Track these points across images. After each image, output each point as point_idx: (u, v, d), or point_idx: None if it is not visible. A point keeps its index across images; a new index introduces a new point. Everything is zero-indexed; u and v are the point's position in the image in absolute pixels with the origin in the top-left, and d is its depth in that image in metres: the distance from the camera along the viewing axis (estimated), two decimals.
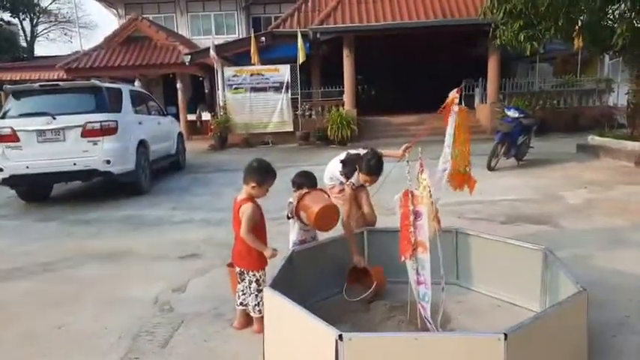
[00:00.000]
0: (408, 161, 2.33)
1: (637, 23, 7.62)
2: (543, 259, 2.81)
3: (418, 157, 2.38)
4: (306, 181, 3.27)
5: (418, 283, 2.31)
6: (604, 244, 4.18)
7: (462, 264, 3.29)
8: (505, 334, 1.80)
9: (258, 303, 2.79)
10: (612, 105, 14.31)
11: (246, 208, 2.76)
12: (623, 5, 8.01)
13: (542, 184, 6.85)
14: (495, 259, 3.09)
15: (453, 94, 3.20)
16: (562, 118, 13.66)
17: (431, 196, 2.31)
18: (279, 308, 2.30)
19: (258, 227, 2.82)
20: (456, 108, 3.18)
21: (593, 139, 9.30)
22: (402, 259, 2.35)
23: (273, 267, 2.82)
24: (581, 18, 7.96)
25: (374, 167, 3.26)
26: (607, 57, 14.79)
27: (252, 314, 2.83)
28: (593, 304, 2.48)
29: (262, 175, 2.80)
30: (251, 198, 2.81)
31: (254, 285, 2.82)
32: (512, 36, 8.36)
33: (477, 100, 15.13)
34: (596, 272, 3.43)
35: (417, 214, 2.26)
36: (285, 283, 2.68)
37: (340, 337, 1.86)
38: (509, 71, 16.37)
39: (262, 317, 2.76)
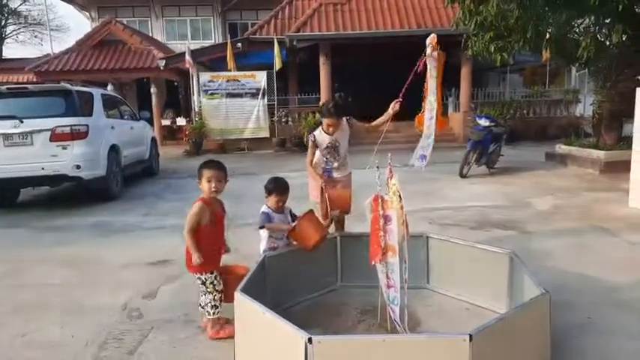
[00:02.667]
0: (378, 167, 2.37)
1: (601, 37, 7.95)
2: (510, 263, 2.89)
3: (388, 164, 2.42)
4: (277, 187, 3.27)
5: (388, 286, 2.34)
6: (568, 248, 4.32)
7: (432, 268, 3.35)
8: (470, 335, 1.84)
9: (207, 304, 2.81)
10: (579, 115, 14.82)
11: (193, 206, 2.78)
12: (587, 20, 8.34)
13: (512, 191, 7.03)
14: (464, 264, 3.16)
15: (432, 38, 3.32)
16: (531, 127, 14.08)
17: (400, 200, 2.35)
18: (249, 312, 2.30)
19: (204, 229, 2.77)
20: (435, 53, 3.32)
21: (561, 148, 9.60)
22: (372, 262, 2.38)
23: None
24: (549, 31, 8.24)
25: (331, 109, 3.68)
26: (574, 69, 15.33)
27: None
28: (556, 306, 2.57)
29: (202, 165, 2.84)
30: (204, 198, 2.81)
31: (201, 287, 2.83)
32: (484, 47, 8.60)
33: (450, 108, 15.44)
34: (561, 275, 3.55)
35: (386, 219, 2.30)
36: (256, 288, 2.68)
37: (310, 339, 1.87)
38: (482, 81, 16.79)
39: (213, 320, 2.80)
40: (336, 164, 3.92)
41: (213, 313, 2.81)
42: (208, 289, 2.80)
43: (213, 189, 2.80)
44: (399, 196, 2.36)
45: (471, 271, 3.12)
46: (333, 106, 3.75)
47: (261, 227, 3.29)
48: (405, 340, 2.04)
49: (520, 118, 14.09)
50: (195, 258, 2.72)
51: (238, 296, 2.37)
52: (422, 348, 1.91)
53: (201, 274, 2.80)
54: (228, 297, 2.90)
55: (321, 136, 3.85)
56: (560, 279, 3.45)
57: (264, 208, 3.32)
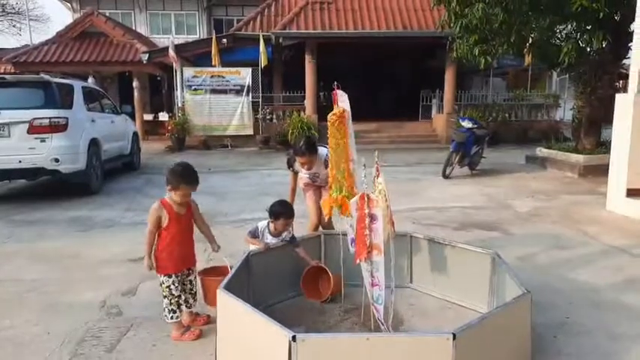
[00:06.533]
0: (364, 165, 2.36)
1: (582, 43, 8.11)
2: (492, 263, 2.92)
3: (375, 162, 2.42)
4: (284, 210, 3.20)
5: (372, 285, 2.34)
6: (548, 249, 4.39)
7: (415, 268, 3.36)
8: (454, 334, 1.85)
9: (164, 309, 2.75)
10: (559, 119, 15.12)
11: (151, 207, 2.71)
12: (569, 26, 8.50)
13: (493, 193, 7.12)
14: (447, 263, 3.18)
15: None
16: (513, 130, 14.30)
17: (386, 199, 2.35)
18: (232, 310, 2.27)
19: (164, 232, 2.69)
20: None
21: (541, 151, 9.76)
22: (357, 261, 2.38)
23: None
24: (532, 36, 8.38)
25: (302, 148, 3.52)
26: (555, 74, 15.63)
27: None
28: (536, 306, 2.60)
29: (177, 178, 2.66)
30: (164, 200, 2.73)
31: (160, 288, 2.77)
32: (468, 50, 8.71)
33: (434, 110, 15.59)
34: (541, 276, 3.60)
35: (372, 217, 2.30)
36: (240, 286, 2.66)
37: (294, 338, 1.85)
38: (465, 84, 17.00)
39: (175, 324, 2.74)
40: (318, 181, 3.88)
41: (171, 318, 2.73)
42: (164, 293, 2.73)
43: (182, 201, 2.72)
44: (385, 195, 2.36)
45: (454, 271, 3.14)
46: (304, 144, 3.54)
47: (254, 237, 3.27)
48: (389, 338, 2.04)
49: (502, 121, 14.31)
50: (146, 262, 2.66)
51: (221, 294, 2.33)
52: (406, 347, 1.91)
53: (160, 276, 2.74)
54: (210, 301, 2.86)
55: (299, 169, 3.79)
56: (541, 279, 3.50)
57: (261, 224, 3.28)
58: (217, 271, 3.09)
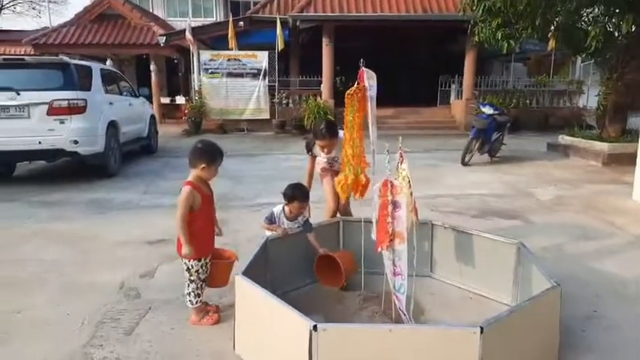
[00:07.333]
0: (387, 151, 2.28)
1: (609, 27, 7.80)
2: (517, 253, 2.83)
3: (399, 148, 2.33)
4: (298, 193, 3.12)
5: (394, 274, 2.28)
6: (572, 239, 4.27)
7: (436, 256, 3.29)
8: (481, 328, 1.78)
9: (189, 293, 2.71)
10: (582, 106, 14.71)
11: (182, 192, 2.62)
12: (597, 9, 8.18)
13: (514, 181, 6.97)
14: (469, 252, 3.10)
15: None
16: (534, 117, 13.98)
17: (410, 186, 2.27)
18: (251, 297, 2.24)
19: (197, 214, 2.63)
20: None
21: (564, 139, 9.51)
22: (379, 249, 2.32)
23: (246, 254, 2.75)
24: (557, 19, 8.09)
25: (323, 130, 3.41)
26: (579, 59, 15.16)
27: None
28: (562, 298, 2.51)
29: (211, 154, 2.67)
30: (192, 182, 2.65)
31: (185, 274, 2.71)
32: (490, 33, 8.44)
33: (452, 96, 15.30)
34: (566, 267, 3.50)
35: (395, 205, 2.23)
36: (258, 271, 2.62)
37: (315, 327, 1.81)
38: (485, 69, 16.62)
39: (196, 309, 2.71)
40: (336, 166, 3.77)
41: (195, 302, 2.71)
42: (192, 277, 2.68)
43: (212, 178, 2.72)
44: (409, 181, 2.28)
45: (476, 261, 3.06)
46: (325, 126, 3.44)
47: (270, 222, 3.21)
48: (413, 330, 1.98)
49: (522, 107, 13.97)
50: (186, 250, 2.60)
51: (240, 280, 2.30)
52: (430, 340, 1.85)
53: (189, 261, 2.68)
54: (212, 282, 2.81)
55: (318, 153, 3.70)
56: (565, 270, 3.40)
57: (276, 209, 3.22)
58: (213, 254, 2.99)
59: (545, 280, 2.32)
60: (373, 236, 2.42)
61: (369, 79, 2.70)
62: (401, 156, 2.30)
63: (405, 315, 2.20)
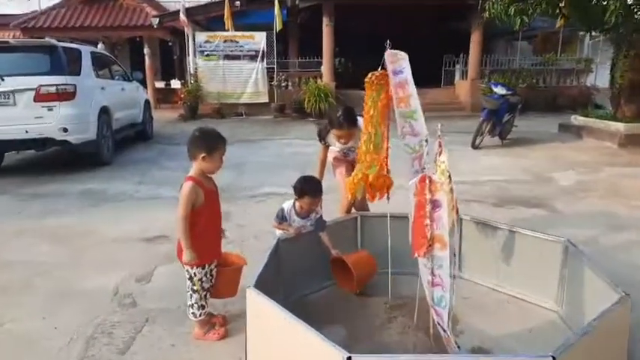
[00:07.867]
0: (426, 139, 1.92)
1: (629, 1, 7.37)
2: (563, 253, 2.49)
3: (437, 136, 1.97)
4: (309, 188, 2.77)
5: (433, 284, 1.94)
6: (603, 229, 3.95)
7: (466, 255, 2.96)
8: (553, 357, 1.45)
9: (192, 305, 2.36)
10: (589, 85, 14.28)
11: (184, 188, 2.26)
12: None
13: (529, 165, 6.63)
14: (504, 250, 2.77)
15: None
16: (541, 97, 13.54)
17: (450, 181, 1.92)
18: (266, 315, 1.89)
19: (199, 213, 2.28)
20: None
21: (577, 119, 9.15)
22: (415, 255, 1.97)
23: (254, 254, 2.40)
24: None
25: (341, 119, 3.09)
26: (587, 37, 14.68)
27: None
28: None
29: (211, 140, 2.30)
30: (193, 177, 2.29)
31: (187, 282, 2.35)
32: (502, 9, 8.00)
33: (457, 76, 14.83)
34: (604, 263, 3.15)
35: (434, 204, 1.88)
36: (271, 278, 2.28)
37: (349, 359, 1.47)
38: (489, 48, 16.09)
39: (200, 322, 2.37)
40: (352, 155, 3.40)
41: (200, 315, 2.37)
42: (195, 287, 2.33)
43: (217, 169, 2.35)
44: (449, 176, 1.93)
45: (513, 260, 2.74)
46: (343, 115, 3.09)
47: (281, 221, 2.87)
48: None
49: (529, 87, 13.53)
50: (187, 256, 2.24)
51: (252, 294, 1.95)
52: None
53: (191, 268, 2.32)
54: (217, 293, 2.45)
55: (332, 142, 3.36)
56: (605, 267, 3.05)
57: (286, 205, 2.87)
58: (224, 258, 2.56)
59: (606, 287, 1.99)
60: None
61: (396, 61, 2.32)
62: (440, 146, 1.93)
63: (447, 334, 1.86)
